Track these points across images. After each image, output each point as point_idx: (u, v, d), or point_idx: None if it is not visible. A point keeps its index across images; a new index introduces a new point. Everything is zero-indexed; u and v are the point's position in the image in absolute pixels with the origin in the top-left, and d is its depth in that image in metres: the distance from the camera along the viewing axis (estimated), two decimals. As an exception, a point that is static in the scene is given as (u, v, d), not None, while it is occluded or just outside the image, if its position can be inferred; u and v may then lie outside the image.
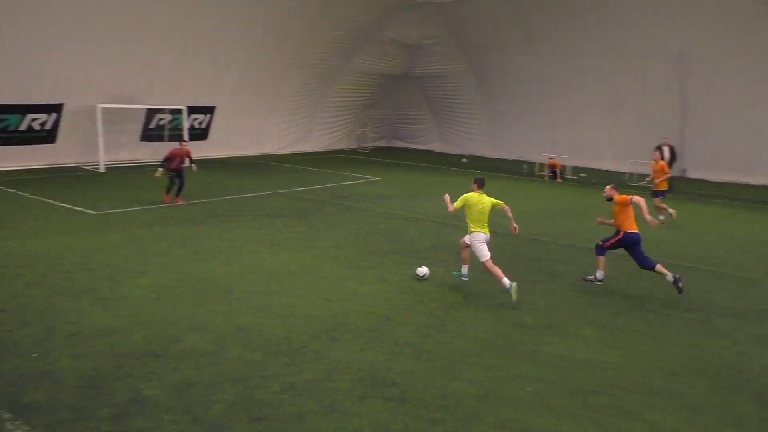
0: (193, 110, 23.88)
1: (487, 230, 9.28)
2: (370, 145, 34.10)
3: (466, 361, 6.71)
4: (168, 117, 22.88)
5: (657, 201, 15.59)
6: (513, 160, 30.91)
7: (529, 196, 20.02)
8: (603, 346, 7.38)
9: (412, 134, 35.78)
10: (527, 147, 29.35)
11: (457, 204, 9.42)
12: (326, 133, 31.50)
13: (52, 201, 14.49)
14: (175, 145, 16.59)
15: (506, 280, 8.77)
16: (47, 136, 20.18)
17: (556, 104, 29.10)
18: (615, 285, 10.04)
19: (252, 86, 25.62)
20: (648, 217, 9.76)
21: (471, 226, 9.27)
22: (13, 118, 18.95)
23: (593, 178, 25.01)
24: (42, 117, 19.70)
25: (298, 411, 5.42)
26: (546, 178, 24.86)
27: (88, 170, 20.21)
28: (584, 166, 26.92)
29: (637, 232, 9.58)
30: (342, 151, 31.89)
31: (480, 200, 9.31)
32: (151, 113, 22.67)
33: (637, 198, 9.55)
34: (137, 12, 19.60)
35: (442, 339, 7.31)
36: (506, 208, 9.44)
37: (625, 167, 25.37)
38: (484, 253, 9.05)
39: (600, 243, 9.88)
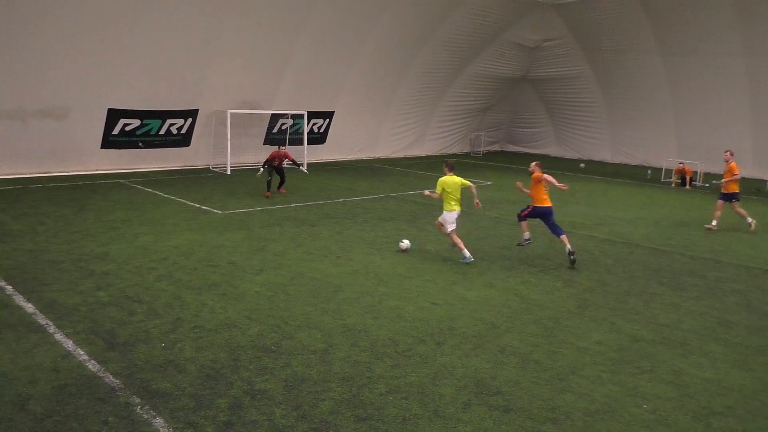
0: (313, 115, 24.88)
1: (458, 207, 10.75)
2: (483, 149, 33.72)
3: (576, 373, 6.44)
4: (290, 122, 23.98)
5: (734, 205, 14.69)
6: (636, 165, 29.32)
7: (652, 203, 18.87)
8: (732, 366, 6.80)
9: (527, 138, 34.97)
10: (652, 152, 27.76)
11: (437, 190, 10.76)
12: (440, 137, 31.57)
13: (184, 200, 15.67)
14: (274, 148, 17.91)
15: (466, 252, 10.63)
16: (183, 140, 21.87)
17: (688, 107, 27.19)
18: (752, 301, 9.21)
19: (369, 91, 26.25)
20: (559, 185, 10.71)
21: (446, 205, 10.69)
22: (155, 123, 20.72)
23: (709, 183, 23.15)
24: (179, 122, 21.38)
25: (403, 414, 5.47)
26: (673, 185, 23.28)
27: (216, 172, 21.65)
28: (720, 172, 24.96)
29: (547, 205, 10.86)
30: (455, 155, 31.77)
31: (452, 181, 10.67)
32: (274, 118, 23.90)
33: (546, 176, 10.75)
34: (264, 25, 20.72)
35: (551, 349, 7.07)
36: (473, 186, 10.82)
37: (766, 174, 23.23)
38: (450, 224, 10.69)
39: (518, 212, 11.34)
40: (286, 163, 17.28)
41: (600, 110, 30.75)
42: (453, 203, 10.64)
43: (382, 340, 7.11)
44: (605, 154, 31.10)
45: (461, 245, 10.70)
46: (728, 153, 15.28)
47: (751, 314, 8.62)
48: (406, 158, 28.78)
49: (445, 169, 10.90)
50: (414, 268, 10.26)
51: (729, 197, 14.72)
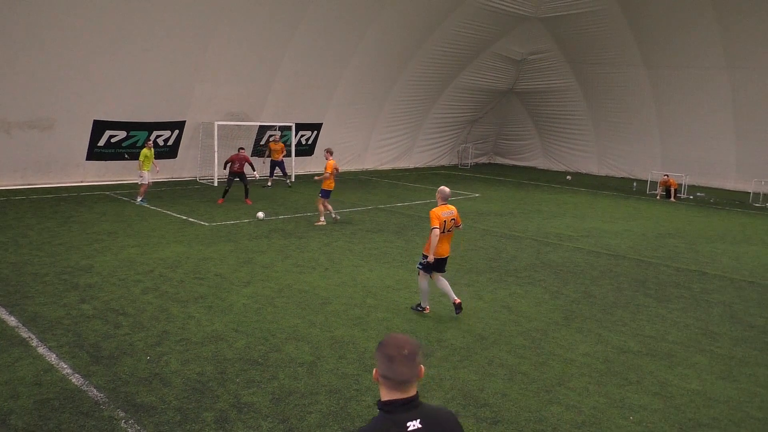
0: (300, 127, 24.89)
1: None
2: (471, 161, 33.90)
3: (563, 385, 6.46)
4: (277, 134, 23.99)
5: None
6: (622, 177, 29.60)
7: (638, 215, 19.04)
8: (718, 378, 6.84)
9: (514, 150, 35.22)
10: (638, 164, 28.05)
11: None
12: (428, 149, 31.70)
13: (170, 213, 15.57)
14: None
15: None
16: (169, 152, 21.77)
17: (673, 120, 27.56)
18: (737, 312, 9.30)
19: (357, 102, 26.31)
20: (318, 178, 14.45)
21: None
22: (141, 134, 20.62)
23: (713, 198, 23.42)
24: (166, 133, 21.29)
25: (389, 426, 5.44)
26: (658, 197, 23.52)
27: (203, 183, 21.56)
28: (704, 185, 25.30)
29: (327, 189, 14.45)
30: (443, 167, 31.92)
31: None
32: (262, 130, 23.87)
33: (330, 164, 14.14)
34: (252, 36, 20.76)
35: (538, 360, 7.08)
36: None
37: (749, 187, 23.55)
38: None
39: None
40: (250, 170, 18.00)
41: (586, 123, 31.06)
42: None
43: (370, 352, 7.09)
44: (592, 166, 31.39)
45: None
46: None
47: (736, 325, 8.69)
48: (394, 170, 28.86)
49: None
50: (402, 280, 10.25)
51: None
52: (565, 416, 5.79)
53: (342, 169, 27.14)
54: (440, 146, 32.34)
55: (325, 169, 14.35)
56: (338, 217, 15.09)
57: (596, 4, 25.64)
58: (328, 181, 14.43)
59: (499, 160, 35.96)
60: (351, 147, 27.34)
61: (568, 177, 29.28)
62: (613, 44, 27.29)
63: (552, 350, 7.42)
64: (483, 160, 35.74)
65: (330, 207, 14.85)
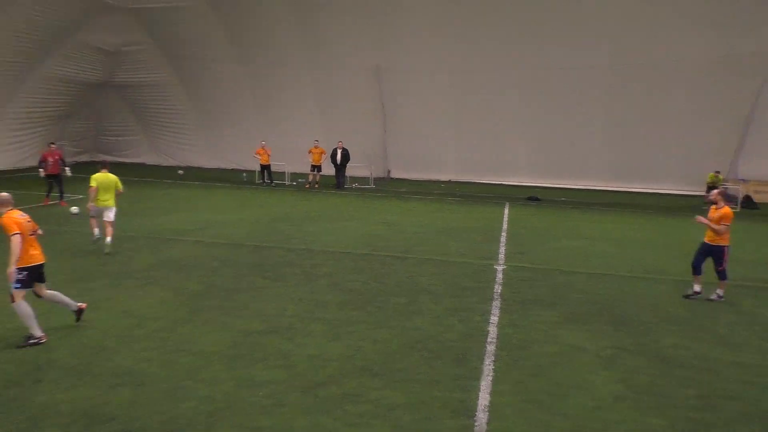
0: None
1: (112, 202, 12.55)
2: (70, 160, 30.47)
3: (193, 378, 6.44)
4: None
5: None
6: (231, 169, 30.70)
7: (250, 203, 20.13)
8: (329, 340, 7.78)
9: (118, 147, 33.00)
10: (244, 155, 29.35)
11: (92, 183, 12.23)
12: (13, 149, 27.14)
13: None
14: None
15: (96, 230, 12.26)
16: None
17: (270, 113, 29.74)
18: (338, 281, 10.65)
19: None
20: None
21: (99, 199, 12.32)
22: None
23: (296, 181, 26.34)
24: None
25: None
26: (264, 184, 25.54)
27: None
28: (299, 171, 28.01)
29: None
30: (33, 168, 27.89)
31: (106, 177, 12.47)
32: None
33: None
34: None
35: (167, 360, 6.89)
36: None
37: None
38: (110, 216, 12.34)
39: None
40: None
41: (190, 117, 31.08)
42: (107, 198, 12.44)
43: (-45, 396, 5.80)
44: (202, 159, 31.63)
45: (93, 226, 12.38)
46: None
47: (338, 292, 10.00)
48: (-32, 174, 23.96)
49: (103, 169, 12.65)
50: (-7, 302, 8.64)
51: None
52: (199, 408, 5.79)
53: None
54: (28, 145, 28.06)
55: None
56: None
57: (185, 1, 25.87)
58: None
59: (103, 158, 33.24)
60: None
61: (180, 171, 28.97)
62: (207, 41, 27.96)
63: (179, 346, 7.31)
64: (84, 158, 32.49)
65: None
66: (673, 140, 25.59)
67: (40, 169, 17.63)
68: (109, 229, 12.05)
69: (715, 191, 10.78)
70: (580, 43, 24.95)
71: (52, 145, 18.13)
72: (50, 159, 17.55)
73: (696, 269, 10.43)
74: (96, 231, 12.25)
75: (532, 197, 24.25)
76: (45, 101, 27.59)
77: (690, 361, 7.64)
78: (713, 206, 10.52)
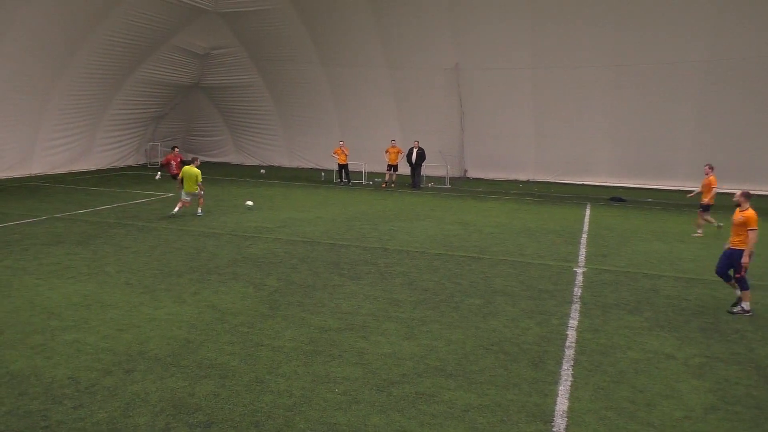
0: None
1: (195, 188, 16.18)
2: (162, 159, 32.15)
3: (273, 373, 6.64)
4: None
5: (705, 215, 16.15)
6: (311, 168, 31.40)
7: (328, 202, 20.50)
8: (403, 339, 7.81)
9: (205, 147, 34.53)
10: (323, 155, 29.98)
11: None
12: (110, 149, 28.97)
13: None
14: None
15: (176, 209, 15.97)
16: None
17: (349, 113, 30.20)
18: (414, 280, 10.68)
19: (14, 97, 22.60)
20: None
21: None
22: None
23: (372, 180, 26.49)
24: None
25: (90, 457, 4.91)
26: (341, 183, 25.94)
27: None
28: (376, 171, 28.24)
29: None
30: (129, 167, 29.67)
31: (190, 170, 16.17)
32: None
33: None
34: None
35: (248, 354, 7.15)
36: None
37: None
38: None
39: None
40: None
41: (273, 117, 32.07)
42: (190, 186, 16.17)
43: (58, 381, 6.26)
44: (283, 159, 32.60)
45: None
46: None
47: (413, 291, 10.02)
48: (71, 174, 25.76)
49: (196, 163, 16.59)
50: (91, 294, 9.27)
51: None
52: (278, 402, 5.97)
53: (3, 176, 23.20)
54: (124, 145, 29.91)
55: None
56: None
57: (271, 3, 26.64)
58: None
59: (192, 158, 34.87)
60: (9, 151, 23.40)
61: (262, 171, 29.93)
62: (291, 42, 28.71)
63: (260, 341, 7.56)
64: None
65: None
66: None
67: (159, 172, 18.67)
68: (201, 201, 16.66)
69: (739, 192, 9.72)
70: (669, 38, 23.84)
71: (176, 149, 19.24)
72: (173, 162, 18.65)
73: (725, 277, 9.65)
74: (176, 209, 15.96)
75: (615, 197, 23.36)
76: (139, 104, 29.26)
77: (789, 373, 7.12)
78: (737, 208, 9.57)
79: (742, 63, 23.41)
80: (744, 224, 9.30)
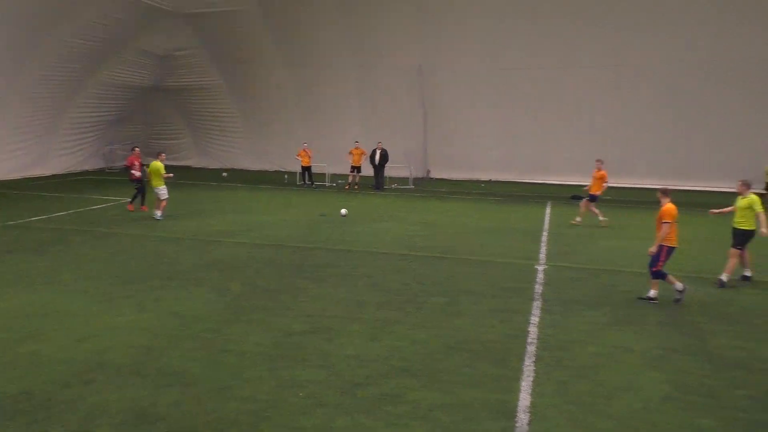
0: None
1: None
2: (120, 164, 31.47)
3: (238, 378, 6.58)
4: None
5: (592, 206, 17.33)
6: (275, 171, 31.16)
7: (291, 205, 20.39)
8: (368, 341, 7.82)
9: (167, 150, 33.56)
10: (286, 157, 29.75)
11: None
12: (68, 153, 28.25)
13: None
14: None
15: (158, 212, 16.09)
16: None
17: (312, 115, 30.08)
18: (378, 281, 10.70)
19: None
20: None
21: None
22: None
23: (336, 182, 26.47)
24: None
25: (48, 471, 4.79)
26: (305, 185, 25.87)
27: None
28: (340, 173, 28.16)
29: None
30: (87, 171, 28.97)
31: (154, 165, 16.51)
32: None
33: None
34: None
35: (212, 360, 7.06)
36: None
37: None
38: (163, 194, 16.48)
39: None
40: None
41: (236, 119, 31.75)
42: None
43: (12, 396, 6.09)
44: (246, 161, 32.25)
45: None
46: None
47: (377, 292, 10.04)
48: (26, 179, 25.01)
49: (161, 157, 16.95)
50: (48, 303, 9.03)
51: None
52: (243, 408, 5.92)
53: (-47, 183, 22.38)
54: (82, 149, 29.19)
55: None
56: None
57: (237, 4, 26.38)
58: None
59: (152, 161, 34.19)
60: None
61: (224, 174, 29.59)
62: (255, 43, 28.49)
63: (224, 347, 7.48)
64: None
65: None
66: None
67: (132, 172, 17.87)
68: (163, 203, 16.39)
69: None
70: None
71: (137, 149, 18.60)
72: (136, 162, 18.04)
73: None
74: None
75: (575, 196, 23.78)
76: (98, 107, 28.60)
77: (741, 360, 7.40)
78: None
79: (742, 63, 23.87)
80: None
